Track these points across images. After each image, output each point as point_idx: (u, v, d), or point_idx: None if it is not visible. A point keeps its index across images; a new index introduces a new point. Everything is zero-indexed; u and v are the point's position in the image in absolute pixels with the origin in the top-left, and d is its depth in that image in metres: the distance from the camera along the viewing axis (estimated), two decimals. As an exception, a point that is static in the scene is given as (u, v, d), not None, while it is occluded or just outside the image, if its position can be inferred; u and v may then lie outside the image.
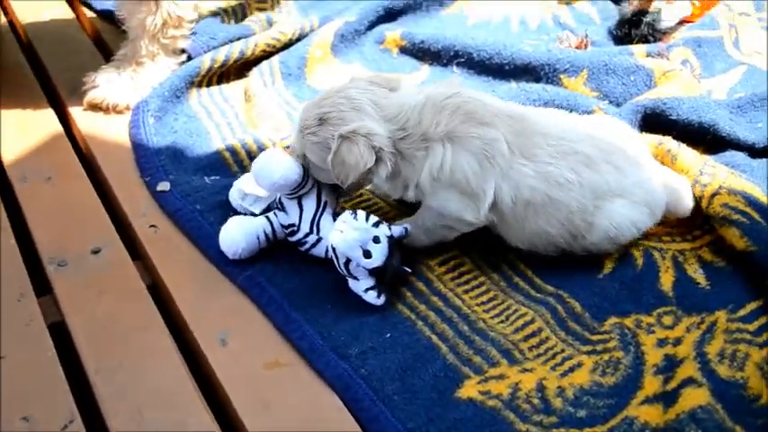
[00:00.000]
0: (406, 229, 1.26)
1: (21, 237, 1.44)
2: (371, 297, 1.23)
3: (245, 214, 1.38)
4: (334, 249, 1.21)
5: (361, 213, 1.24)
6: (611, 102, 1.67)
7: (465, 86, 1.51)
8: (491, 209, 1.25)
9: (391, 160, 1.23)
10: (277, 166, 1.28)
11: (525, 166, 1.23)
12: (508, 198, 1.24)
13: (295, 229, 1.31)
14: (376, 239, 1.21)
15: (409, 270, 1.27)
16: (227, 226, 1.34)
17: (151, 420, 1.09)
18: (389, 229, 1.24)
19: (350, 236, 1.20)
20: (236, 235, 1.32)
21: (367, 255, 1.21)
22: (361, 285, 1.23)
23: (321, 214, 1.31)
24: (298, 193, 1.31)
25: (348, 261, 1.21)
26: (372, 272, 1.22)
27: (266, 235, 1.32)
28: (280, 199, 1.33)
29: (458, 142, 1.23)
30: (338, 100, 1.25)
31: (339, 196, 1.37)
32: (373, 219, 1.24)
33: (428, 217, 1.29)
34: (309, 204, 1.31)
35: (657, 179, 1.33)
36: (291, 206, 1.32)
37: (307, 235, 1.30)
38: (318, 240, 1.30)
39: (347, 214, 1.24)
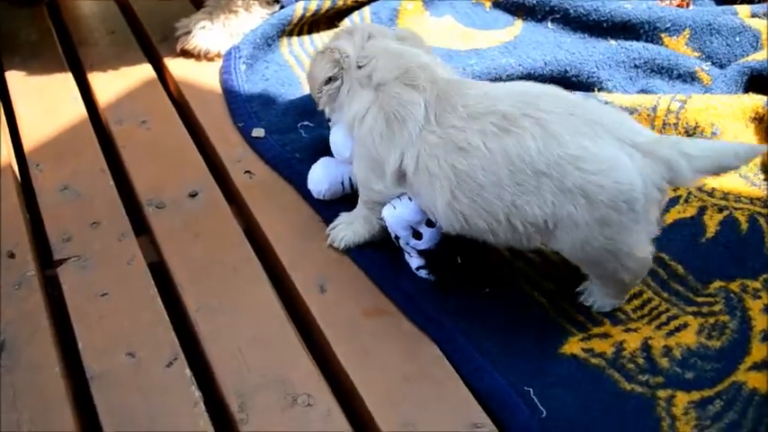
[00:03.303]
0: None
1: (118, 178, 1.47)
2: (423, 274, 1.20)
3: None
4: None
5: None
6: (714, 63, 1.61)
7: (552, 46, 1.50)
8: (400, 181, 1.13)
9: (346, 82, 1.19)
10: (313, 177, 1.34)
11: (432, 133, 1.07)
12: (411, 168, 1.10)
13: None
14: (430, 223, 1.17)
15: (459, 261, 1.19)
16: (315, 165, 1.35)
17: (252, 360, 1.11)
18: None
19: (401, 213, 1.17)
20: (321, 175, 1.34)
21: (417, 236, 1.18)
22: (413, 263, 1.21)
23: None
24: None
25: (397, 237, 1.19)
26: (421, 253, 1.19)
27: (351, 182, 1.32)
28: None
29: (380, 96, 1.14)
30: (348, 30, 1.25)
31: None
32: None
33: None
34: None
35: (625, 154, 0.99)
36: None
37: None
38: None
39: None
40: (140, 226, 1.37)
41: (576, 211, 0.99)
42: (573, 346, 1.09)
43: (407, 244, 1.19)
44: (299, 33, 1.78)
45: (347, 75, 1.19)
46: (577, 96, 1.09)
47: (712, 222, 1.28)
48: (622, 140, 0.99)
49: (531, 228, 1.03)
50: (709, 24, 1.64)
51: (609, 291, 1.12)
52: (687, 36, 1.65)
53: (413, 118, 1.09)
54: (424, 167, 1.07)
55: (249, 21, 1.74)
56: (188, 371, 1.10)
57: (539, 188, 0.99)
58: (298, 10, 1.74)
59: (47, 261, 1.31)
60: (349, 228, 1.26)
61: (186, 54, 1.73)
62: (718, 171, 1.05)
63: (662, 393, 1.03)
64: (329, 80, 1.20)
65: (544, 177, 0.98)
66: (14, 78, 1.74)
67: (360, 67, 1.18)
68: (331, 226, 1.29)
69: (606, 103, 1.44)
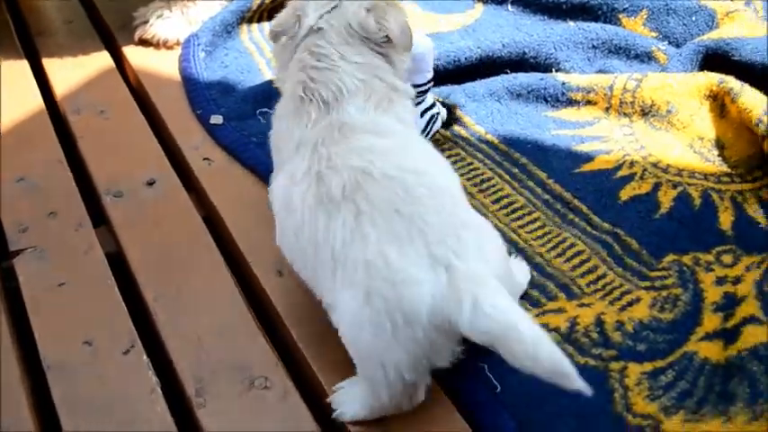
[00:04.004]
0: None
1: (75, 168, 1.46)
2: None
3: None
4: None
5: None
6: (670, 43, 1.62)
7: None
8: None
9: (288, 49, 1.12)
10: None
11: (283, 173, 1.06)
12: (271, 195, 1.11)
13: None
14: None
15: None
16: None
17: (210, 346, 1.11)
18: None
19: None
20: None
21: None
22: None
23: None
24: None
25: None
26: None
27: None
28: None
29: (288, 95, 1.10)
30: None
31: None
32: None
33: None
34: None
35: (427, 275, 0.88)
36: None
37: None
38: None
39: None
40: (99, 216, 1.37)
41: (353, 303, 0.91)
42: (528, 322, 1.10)
43: None
44: (259, 20, 1.78)
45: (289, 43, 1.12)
46: (436, 187, 0.96)
47: (666, 198, 1.29)
48: (437, 258, 0.89)
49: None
50: (666, 5, 1.65)
51: (364, 397, 0.98)
52: (644, 16, 1.66)
53: (286, 151, 1.07)
54: (272, 197, 1.09)
55: (208, 8, 1.73)
56: (145, 357, 1.10)
57: (333, 272, 0.93)
58: (257, -4, 1.74)
59: (3, 253, 1.29)
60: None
61: (145, 43, 1.72)
62: (505, 353, 0.86)
63: (614, 365, 1.04)
64: (276, 36, 1.14)
65: (339, 266, 0.92)
66: (-30, 71, 1.71)
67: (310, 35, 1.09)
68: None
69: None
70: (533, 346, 0.83)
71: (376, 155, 0.97)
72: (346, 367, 1.04)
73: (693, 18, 1.65)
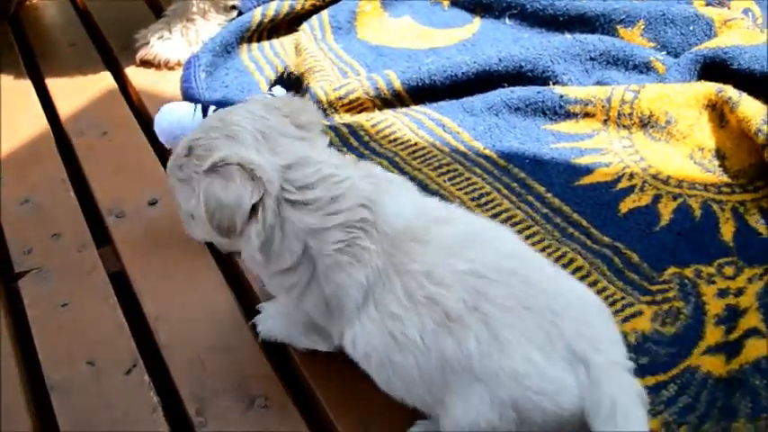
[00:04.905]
0: None
1: (79, 189, 1.47)
2: None
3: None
4: None
5: None
6: (668, 53, 1.62)
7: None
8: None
9: (273, 210, 0.90)
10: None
11: (370, 320, 0.91)
12: (350, 347, 0.95)
13: None
14: None
15: None
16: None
17: (210, 365, 1.11)
18: None
19: None
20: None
21: None
22: None
23: None
24: None
25: None
26: None
27: None
28: None
29: (318, 270, 0.94)
30: (214, 124, 0.95)
31: None
32: None
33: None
34: None
35: (572, 376, 0.82)
36: None
37: None
38: None
39: None
40: (102, 236, 1.38)
41: (500, 422, 0.83)
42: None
43: None
44: (259, 39, 1.79)
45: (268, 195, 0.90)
46: (545, 272, 0.90)
47: (666, 210, 1.29)
48: (576, 355, 0.82)
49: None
50: (663, 14, 1.65)
51: None
52: (642, 27, 1.67)
53: (353, 302, 0.92)
54: (362, 348, 0.93)
55: (207, 28, 1.75)
56: (146, 377, 1.10)
57: (469, 392, 0.85)
58: (256, 16, 1.75)
59: (8, 274, 1.31)
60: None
61: (147, 64, 1.74)
62: None
63: (615, 380, 1.04)
64: (252, 211, 0.90)
65: (478, 384, 0.84)
66: (-25, 93, 1.74)
67: (292, 203, 0.92)
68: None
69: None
70: None
71: (468, 249, 0.89)
72: (346, 385, 1.05)
73: (691, 27, 1.65)
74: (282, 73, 1.57)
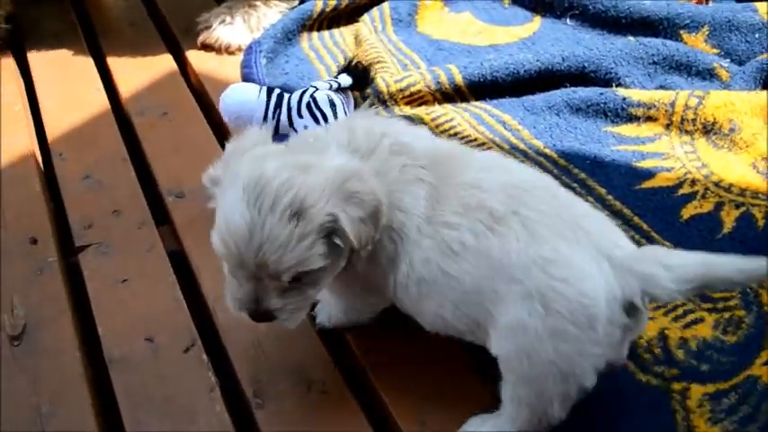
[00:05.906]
0: None
1: (139, 168, 1.49)
2: None
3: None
4: None
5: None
6: (732, 60, 1.60)
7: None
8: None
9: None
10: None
11: (426, 236, 0.96)
12: (403, 282, 0.98)
13: None
14: None
15: None
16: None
17: (269, 348, 1.12)
18: None
19: None
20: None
21: None
22: None
23: None
24: None
25: None
26: None
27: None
28: None
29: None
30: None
31: None
32: None
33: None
34: None
35: (596, 267, 0.89)
36: None
37: None
38: None
39: None
40: (161, 215, 1.39)
41: (530, 317, 0.88)
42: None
43: None
44: (319, 28, 1.80)
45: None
46: (567, 196, 0.99)
47: (729, 218, 1.28)
48: (600, 251, 0.90)
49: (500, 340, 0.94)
50: (728, 21, 1.64)
51: (517, 420, 0.95)
52: (706, 33, 1.65)
53: (414, 224, 0.97)
54: (415, 277, 0.96)
55: (269, 15, 1.77)
56: (205, 357, 1.12)
57: (507, 296, 0.90)
58: (318, 5, 1.76)
59: (69, 248, 1.33)
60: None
61: (207, 47, 1.75)
62: (714, 285, 0.94)
63: (676, 386, 1.03)
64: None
65: (514, 284, 0.90)
66: (39, 69, 1.76)
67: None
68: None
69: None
70: (731, 262, 0.90)
71: (503, 168, 1.02)
72: (404, 377, 1.05)
73: (756, 35, 1.62)
74: (350, 61, 1.57)
